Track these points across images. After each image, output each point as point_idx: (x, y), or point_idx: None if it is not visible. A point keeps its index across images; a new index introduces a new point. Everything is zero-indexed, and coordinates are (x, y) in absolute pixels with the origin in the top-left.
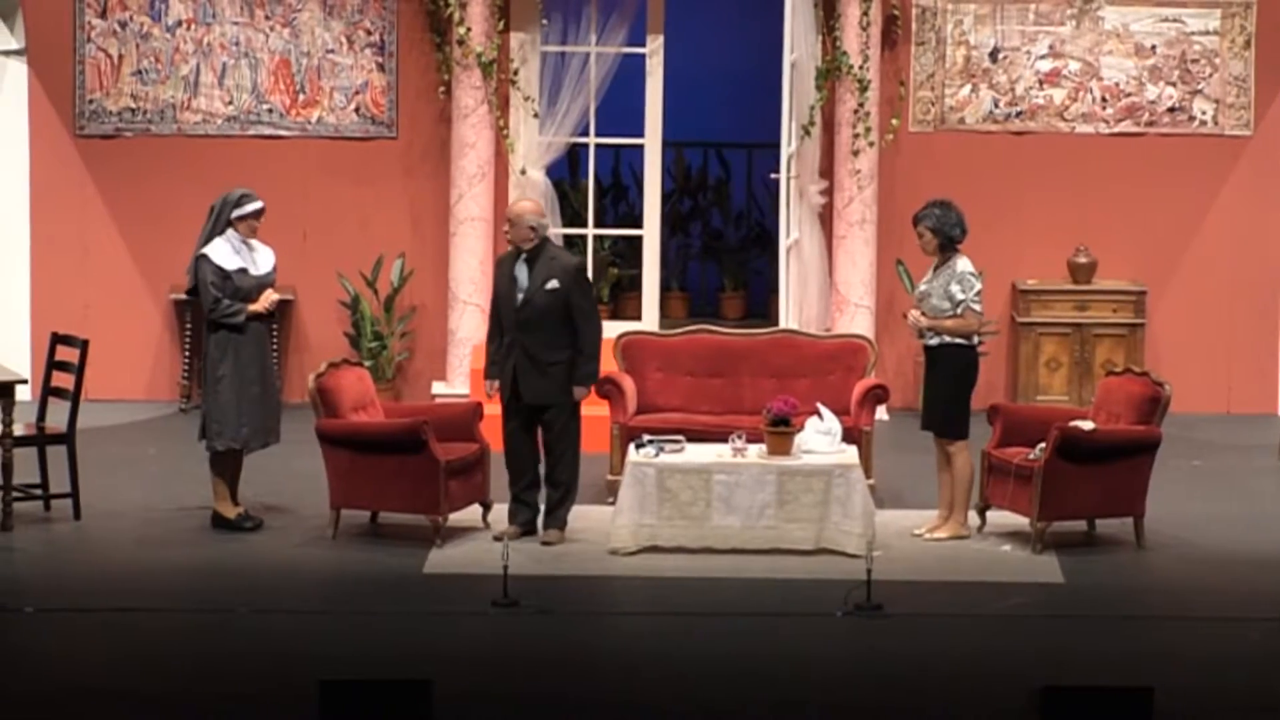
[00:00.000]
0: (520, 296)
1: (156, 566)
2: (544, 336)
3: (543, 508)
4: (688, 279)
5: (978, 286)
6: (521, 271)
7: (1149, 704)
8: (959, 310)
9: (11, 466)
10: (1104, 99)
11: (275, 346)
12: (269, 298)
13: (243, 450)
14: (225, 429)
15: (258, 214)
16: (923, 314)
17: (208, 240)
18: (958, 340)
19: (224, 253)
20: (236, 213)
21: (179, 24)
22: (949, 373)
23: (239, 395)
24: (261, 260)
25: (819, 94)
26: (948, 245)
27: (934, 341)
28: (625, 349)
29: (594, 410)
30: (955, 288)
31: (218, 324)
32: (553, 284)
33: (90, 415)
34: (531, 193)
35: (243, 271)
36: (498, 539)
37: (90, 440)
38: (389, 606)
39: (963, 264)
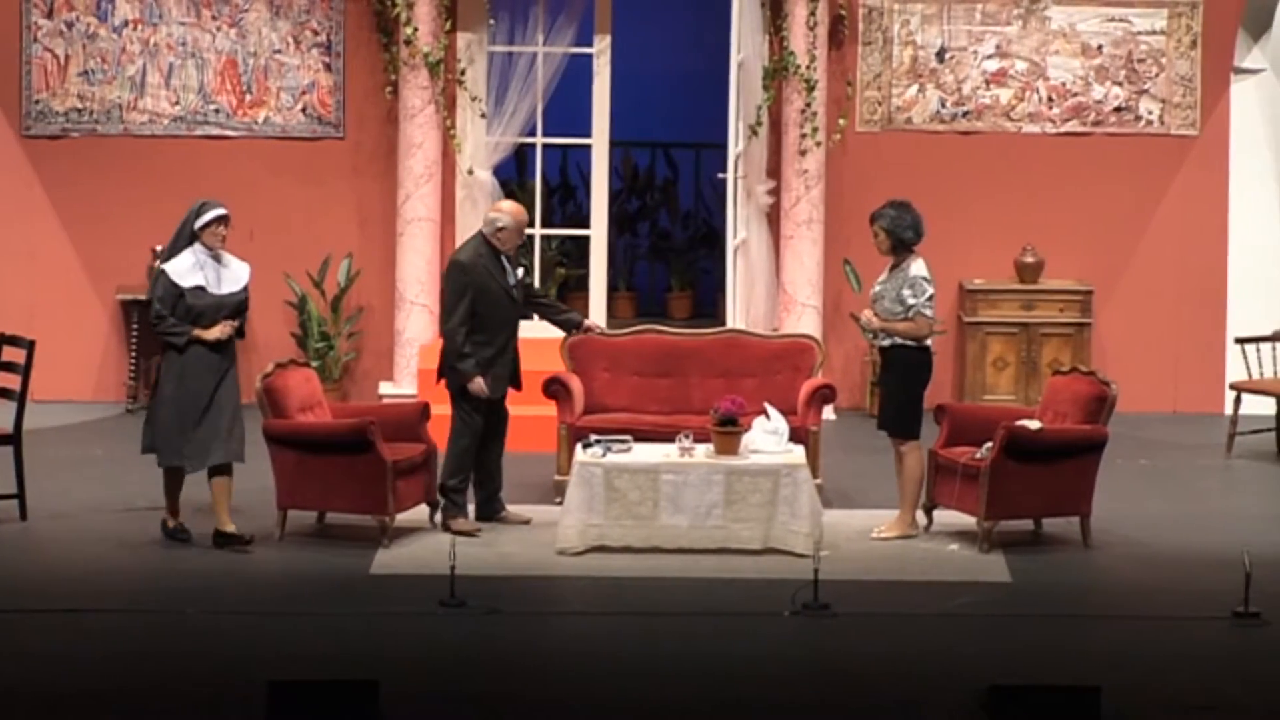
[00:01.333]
0: (517, 294)
1: (103, 568)
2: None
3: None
4: (635, 279)
5: (929, 291)
6: (509, 270)
7: (1096, 703)
8: (909, 315)
9: None
10: (1050, 99)
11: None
12: (223, 329)
13: (182, 469)
14: (166, 447)
15: (220, 220)
16: (875, 315)
17: (171, 254)
18: (909, 343)
19: (184, 268)
20: (198, 223)
21: (126, 24)
22: (900, 373)
23: (181, 416)
24: (229, 277)
25: (766, 94)
26: (900, 247)
27: (886, 343)
28: (573, 349)
29: (541, 410)
30: (907, 292)
31: (162, 341)
32: (520, 272)
33: (37, 416)
34: (479, 193)
35: (200, 290)
36: (474, 534)
37: (37, 441)
38: (336, 607)
39: (916, 268)
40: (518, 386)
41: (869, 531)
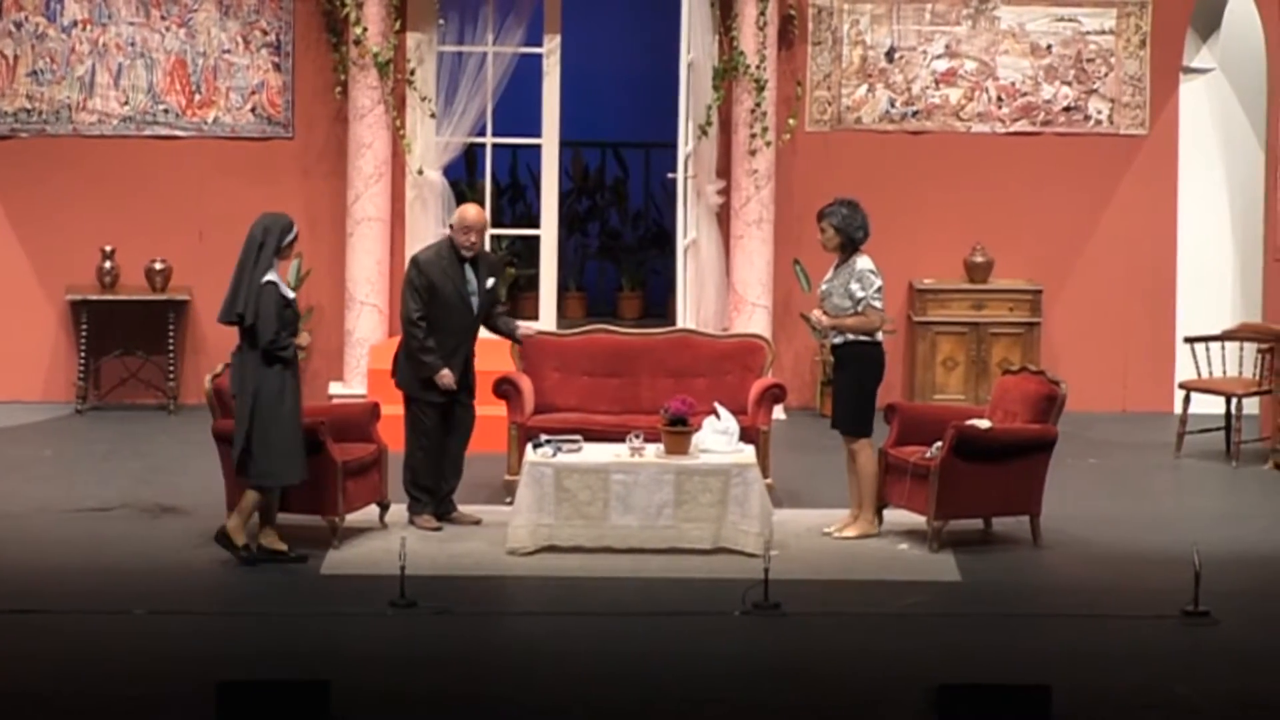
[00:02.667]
0: (476, 300)
1: (52, 568)
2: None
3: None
4: (585, 279)
5: (878, 284)
6: (470, 275)
7: (1046, 702)
8: (860, 308)
9: None
10: (1000, 98)
11: None
12: (306, 336)
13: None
14: (280, 465)
15: (295, 241)
16: (825, 313)
17: (263, 266)
18: (861, 338)
19: (279, 281)
20: (288, 238)
21: (75, 24)
22: (854, 370)
23: (293, 430)
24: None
25: (716, 94)
26: (848, 245)
27: (838, 340)
28: (523, 349)
29: (492, 410)
30: (855, 286)
31: (274, 357)
32: (491, 282)
33: None
34: (428, 193)
35: (294, 301)
36: (436, 529)
37: None
38: (286, 607)
39: (863, 262)
40: (468, 394)
41: (819, 531)
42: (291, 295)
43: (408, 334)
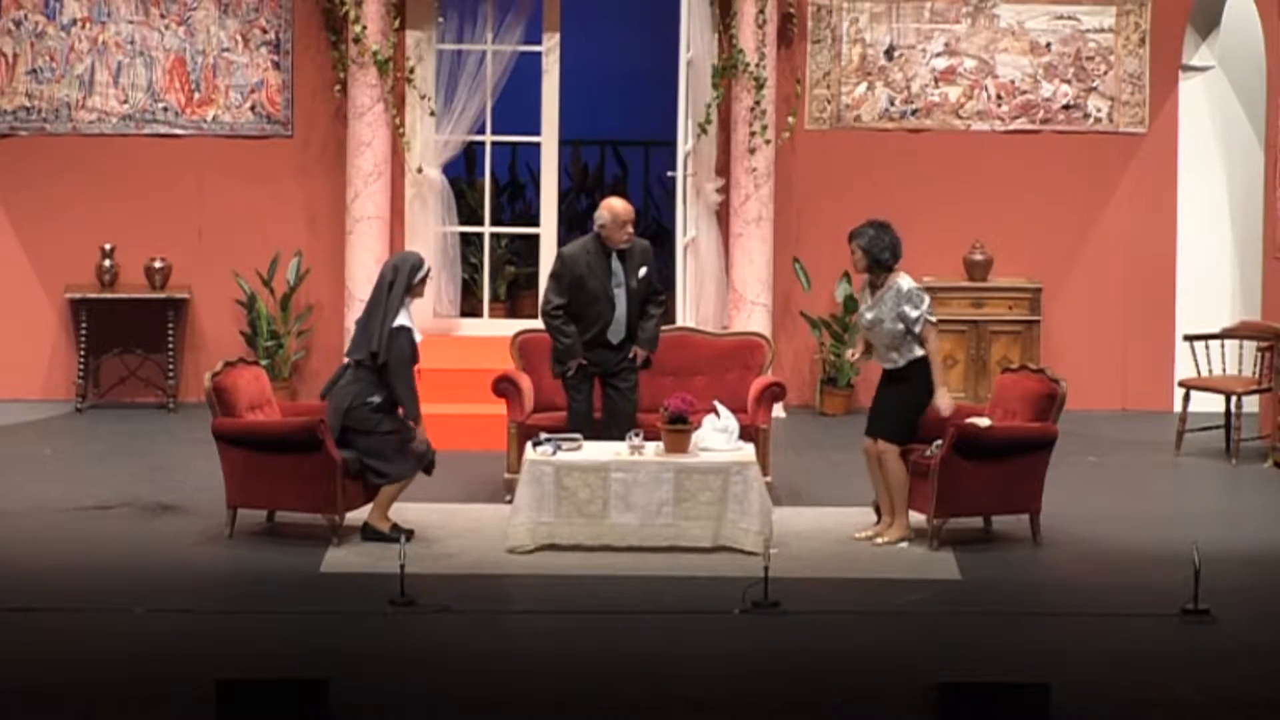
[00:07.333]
0: (623, 292)
1: (52, 566)
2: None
3: None
4: None
5: (928, 299)
6: (618, 267)
7: (1045, 699)
8: (917, 328)
9: None
10: (999, 96)
11: None
12: None
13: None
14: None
15: (427, 278)
16: (868, 348)
17: (395, 309)
18: (920, 354)
19: (411, 324)
20: (418, 277)
21: (74, 22)
22: (912, 386)
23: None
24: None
25: (715, 92)
26: (876, 266)
27: (901, 363)
28: (522, 347)
29: (491, 409)
30: (907, 307)
31: (392, 388)
32: (643, 271)
33: None
34: (428, 191)
35: (419, 342)
36: None
37: None
38: (286, 606)
39: (905, 282)
40: (622, 380)
41: (819, 528)
42: (419, 338)
43: (543, 322)
